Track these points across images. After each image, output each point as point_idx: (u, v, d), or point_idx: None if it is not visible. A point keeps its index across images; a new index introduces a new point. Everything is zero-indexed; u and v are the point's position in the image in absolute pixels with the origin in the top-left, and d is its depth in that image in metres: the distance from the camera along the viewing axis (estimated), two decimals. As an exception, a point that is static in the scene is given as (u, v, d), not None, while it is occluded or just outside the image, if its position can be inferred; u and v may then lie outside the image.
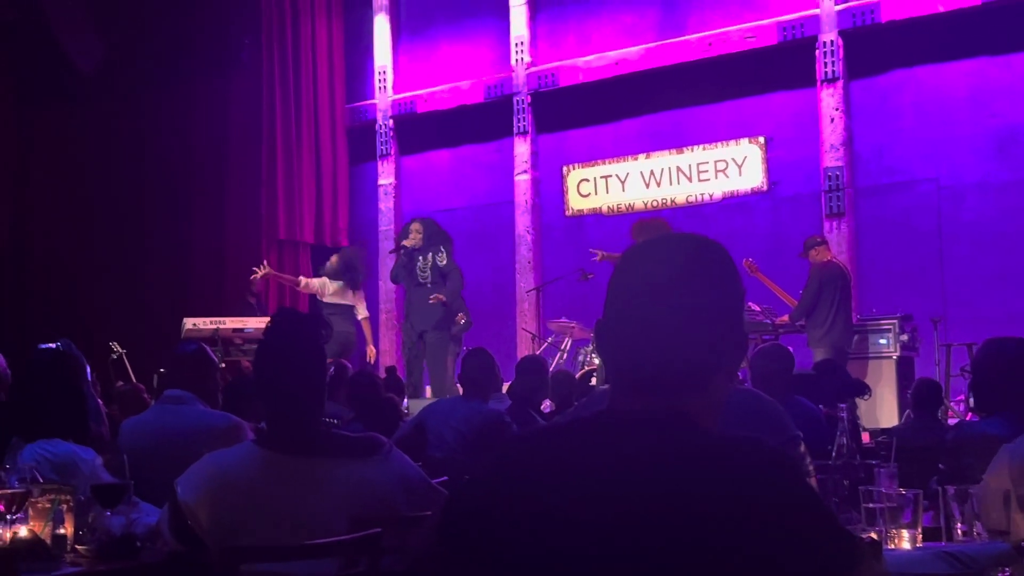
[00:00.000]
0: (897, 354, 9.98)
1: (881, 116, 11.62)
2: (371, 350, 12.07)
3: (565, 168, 13.33)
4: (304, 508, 2.77)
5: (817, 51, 11.67)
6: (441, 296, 10.35)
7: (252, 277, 11.93)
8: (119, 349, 11.47)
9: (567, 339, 11.65)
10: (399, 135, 14.52)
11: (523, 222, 13.42)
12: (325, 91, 14.42)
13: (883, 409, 9.69)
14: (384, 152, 14.50)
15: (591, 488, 1.44)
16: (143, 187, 14.14)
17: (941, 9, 11.03)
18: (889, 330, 10.06)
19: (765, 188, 12.17)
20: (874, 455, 5.31)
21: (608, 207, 13.06)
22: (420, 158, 14.46)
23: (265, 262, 12.11)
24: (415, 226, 10.72)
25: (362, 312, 11.52)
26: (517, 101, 13.46)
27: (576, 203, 13.29)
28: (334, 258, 11.65)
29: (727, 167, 12.34)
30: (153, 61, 13.74)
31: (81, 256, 14.12)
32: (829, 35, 11.61)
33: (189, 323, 11.03)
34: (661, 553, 1.37)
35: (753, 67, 12.13)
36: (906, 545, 2.74)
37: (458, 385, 7.72)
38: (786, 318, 10.22)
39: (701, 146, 12.50)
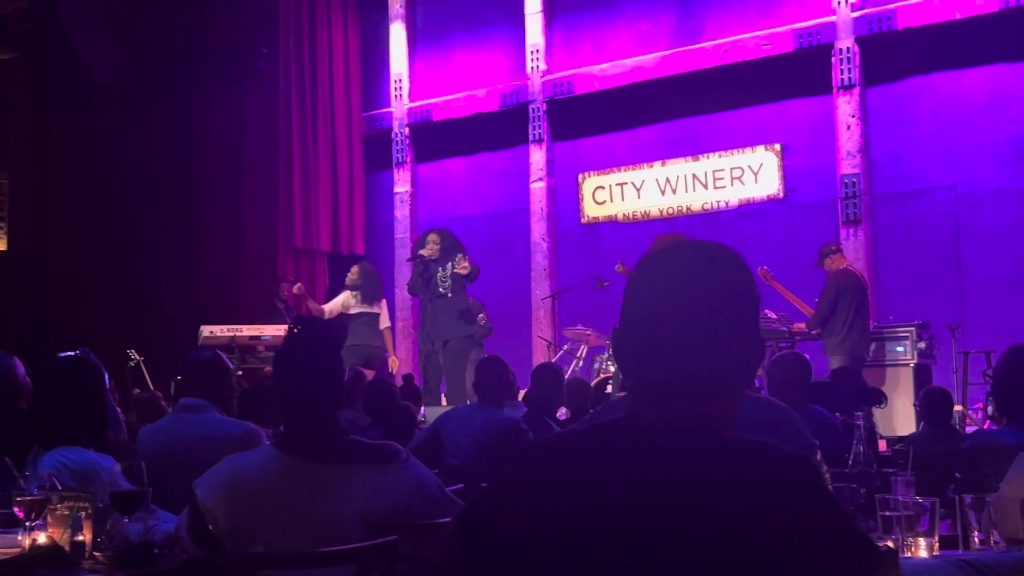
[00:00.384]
0: (914, 362, 9.94)
1: (898, 123, 11.59)
2: (393, 360, 12.07)
3: (580, 176, 13.34)
4: (321, 513, 2.78)
5: (833, 58, 11.65)
6: (465, 264, 10.36)
7: (294, 287, 12.00)
8: (136, 357, 11.49)
9: (583, 347, 11.64)
10: (415, 143, 14.54)
11: (538, 230, 13.42)
12: (341, 99, 14.46)
13: (900, 417, 9.65)
14: (400, 160, 14.52)
15: (610, 495, 1.44)
16: (160, 195, 14.19)
17: (958, 16, 11.00)
18: (906, 338, 10.03)
19: (781, 195, 12.14)
20: (891, 463, 5.29)
21: (623, 214, 13.05)
22: (436, 166, 14.48)
23: (300, 284, 12.17)
24: (432, 237, 10.73)
25: (384, 322, 11.55)
26: (532, 109, 13.47)
27: (591, 210, 13.29)
28: (355, 269, 11.67)
29: (743, 174, 12.32)
30: (170, 70, 13.79)
31: (98, 264, 14.17)
32: (845, 42, 11.59)
33: (206, 331, 11.07)
34: (682, 560, 1.38)
35: (769, 74, 12.11)
36: (923, 553, 2.74)
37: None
38: (803, 325, 10.19)
39: (717, 153, 12.49)
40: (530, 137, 13.50)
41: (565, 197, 13.49)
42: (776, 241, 12.01)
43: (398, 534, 2.74)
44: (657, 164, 12.85)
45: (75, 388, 3.71)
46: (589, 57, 13.30)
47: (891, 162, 11.62)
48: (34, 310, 14.40)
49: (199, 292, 13.68)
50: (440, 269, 10.50)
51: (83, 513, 3.06)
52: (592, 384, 9.17)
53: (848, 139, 11.57)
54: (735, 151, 12.38)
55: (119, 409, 5.61)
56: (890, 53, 11.55)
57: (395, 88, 14.60)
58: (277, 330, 11.17)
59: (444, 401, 10.46)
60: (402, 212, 14.49)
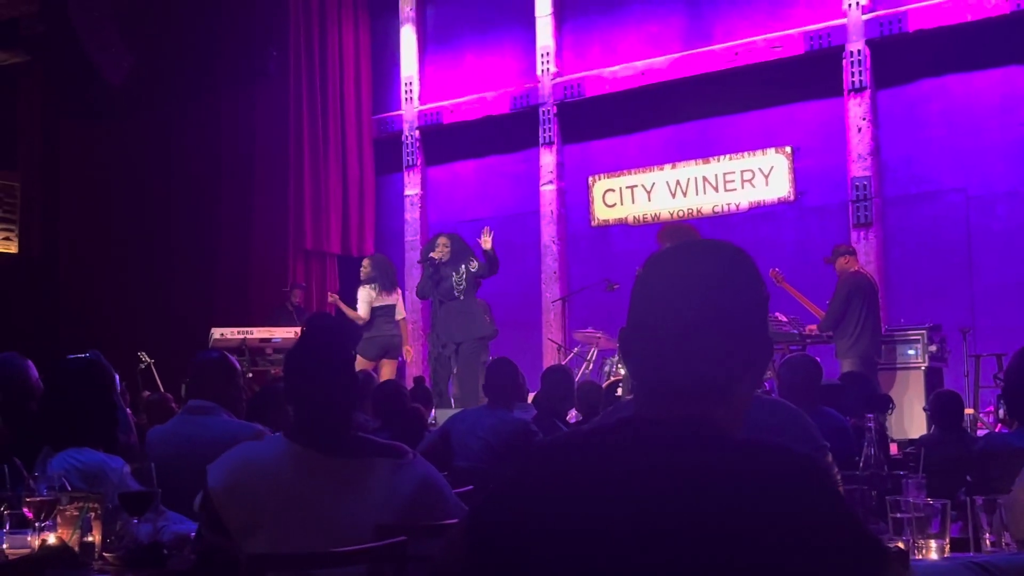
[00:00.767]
0: (925, 365, 9.91)
1: (909, 125, 11.56)
2: (408, 350, 12.14)
3: (591, 178, 13.33)
4: (327, 505, 2.80)
5: (844, 60, 11.63)
6: (488, 237, 10.37)
7: (328, 297, 12.10)
8: (147, 359, 11.54)
9: (593, 349, 11.64)
10: (425, 146, 14.55)
11: (549, 232, 13.42)
12: (352, 102, 14.48)
13: (911, 420, 9.63)
14: (410, 163, 14.54)
15: (617, 496, 1.43)
16: (171, 198, 14.23)
17: (969, 18, 10.97)
18: (917, 340, 10.00)
19: (792, 198, 12.13)
20: (902, 466, 5.28)
21: (634, 217, 13.04)
22: (446, 168, 14.49)
23: (335, 294, 12.21)
24: (442, 239, 10.73)
25: (400, 312, 11.56)
26: (543, 111, 13.47)
27: (602, 213, 13.28)
28: (366, 263, 11.68)
29: (753, 177, 12.31)
30: (180, 73, 13.84)
31: (109, 266, 14.22)
32: (856, 44, 11.57)
33: (217, 333, 11.09)
34: (689, 561, 1.37)
35: (780, 77, 12.10)
36: (934, 555, 2.73)
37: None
38: (814, 328, 10.17)
39: (727, 156, 12.48)
40: (540, 140, 13.50)
41: (575, 200, 13.49)
42: (787, 244, 11.99)
43: (407, 534, 2.74)
44: (667, 167, 12.84)
45: (85, 390, 3.72)
46: (599, 59, 13.29)
47: (902, 165, 11.60)
48: (45, 312, 14.44)
49: (210, 294, 13.71)
50: (454, 272, 10.50)
51: (92, 514, 3.06)
52: (603, 387, 9.16)
53: (859, 142, 11.55)
54: (746, 154, 12.36)
55: (129, 411, 5.63)
56: (901, 55, 11.52)
57: (405, 91, 14.61)
58: (287, 332, 11.19)
59: (453, 403, 10.46)
60: (412, 215, 14.50)
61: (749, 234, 11.96)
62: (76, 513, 3.04)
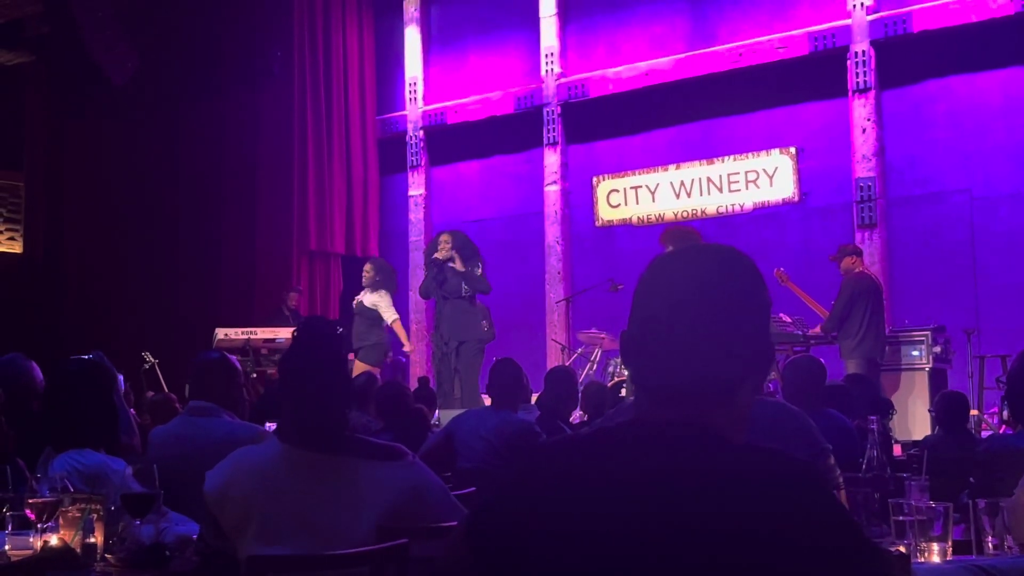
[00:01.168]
0: (930, 366, 9.90)
1: (913, 126, 11.55)
2: (409, 346, 12.25)
3: (595, 179, 13.33)
4: (318, 504, 2.81)
5: (849, 61, 11.62)
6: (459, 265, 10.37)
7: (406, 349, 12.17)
8: (151, 359, 11.54)
9: (597, 350, 11.63)
10: (429, 146, 14.56)
11: (553, 233, 13.42)
12: (356, 102, 14.48)
13: (915, 421, 9.62)
14: (414, 163, 14.54)
15: (617, 498, 1.43)
16: (175, 198, 14.24)
17: (974, 19, 10.96)
18: (922, 341, 9.99)
19: (796, 199, 12.11)
20: (906, 468, 5.27)
21: (638, 218, 13.04)
22: (450, 169, 14.49)
23: (412, 347, 12.41)
24: (444, 237, 10.71)
25: (389, 316, 11.51)
26: (547, 112, 13.47)
27: (606, 214, 13.28)
28: (369, 267, 11.66)
29: (758, 178, 12.30)
30: (185, 74, 13.85)
31: (113, 267, 14.23)
32: (861, 45, 11.56)
33: (221, 333, 11.09)
34: (686, 565, 1.37)
35: (784, 77, 12.09)
36: (936, 558, 2.72)
37: (484, 396, 7.73)
38: (818, 329, 10.16)
39: (732, 157, 12.46)
40: (544, 140, 13.50)
41: (579, 200, 13.49)
42: (791, 245, 11.98)
43: (408, 536, 2.74)
44: (672, 167, 12.83)
45: (87, 391, 3.72)
46: (603, 60, 13.29)
47: (906, 166, 11.59)
48: (49, 313, 14.46)
49: (214, 294, 13.72)
50: (473, 269, 10.48)
51: (95, 515, 3.06)
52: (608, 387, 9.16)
53: (863, 142, 11.54)
54: (750, 154, 12.36)
55: (133, 411, 5.64)
56: (906, 56, 11.51)
57: (410, 91, 14.62)
58: (291, 333, 11.17)
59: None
60: (416, 215, 14.50)
61: (753, 235, 11.96)
62: (78, 514, 3.04)
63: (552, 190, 13.47)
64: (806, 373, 5.91)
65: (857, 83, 11.57)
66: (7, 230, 15.93)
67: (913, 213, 11.51)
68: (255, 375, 10.83)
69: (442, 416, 9.08)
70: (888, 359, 9.96)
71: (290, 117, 13.74)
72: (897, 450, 7.49)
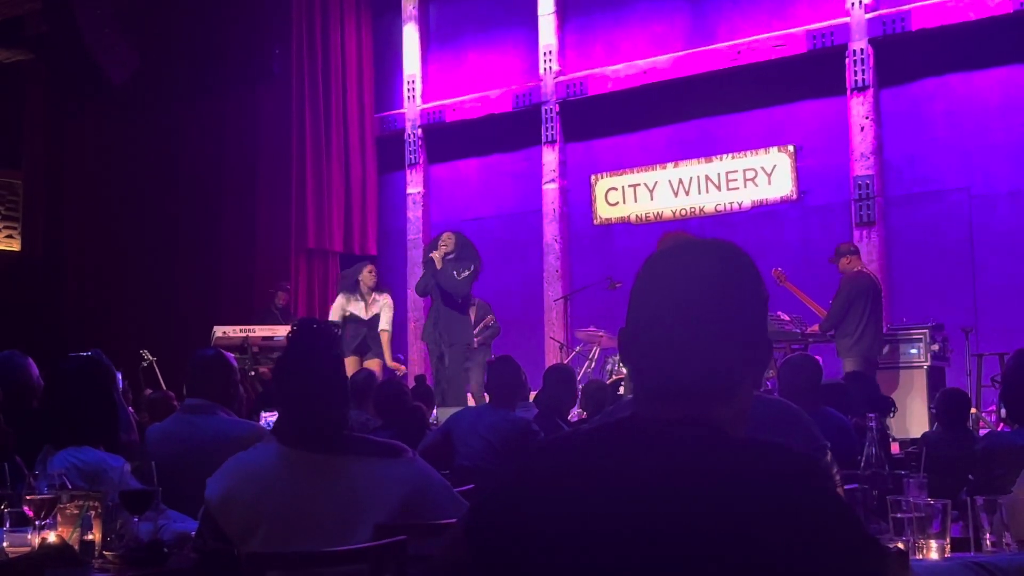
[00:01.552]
0: (928, 364, 9.90)
1: (912, 124, 11.55)
2: (397, 367, 11.91)
3: (593, 177, 13.32)
4: (321, 504, 2.81)
5: (847, 59, 11.61)
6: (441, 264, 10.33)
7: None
8: (149, 357, 11.53)
9: (595, 348, 11.63)
10: (428, 144, 14.55)
11: (551, 231, 13.42)
12: (354, 101, 14.48)
13: (913, 419, 9.62)
14: (413, 161, 14.53)
15: (617, 495, 1.44)
16: (173, 196, 14.24)
17: (972, 17, 10.95)
18: (920, 340, 9.99)
19: (794, 197, 12.11)
20: (904, 465, 5.27)
21: (636, 216, 13.04)
22: (448, 167, 14.49)
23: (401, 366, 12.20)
24: (445, 236, 10.70)
25: (385, 325, 11.46)
26: (545, 110, 13.46)
27: (604, 212, 13.27)
28: (373, 272, 11.61)
29: (756, 176, 12.30)
30: (184, 72, 13.85)
31: (112, 265, 14.23)
32: (859, 43, 11.56)
33: (219, 331, 11.08)
34: (688, 559, 1.37)
35: (782, 75, 12.08)
36: (934, 555, 2.72)
37: (484, 395, 7.73)
38: (816, 328, 10.16)
39: (730, 155, 12.46)
40: (543, 138, 13.49)
41: (578, 198, 13.48)
42: (789, 243, 11.98)
43: (407, 534, 2.74)
44: (670, 165, 12.83)
45: (86, 388, 3.72)
46: (602, 58, 13.29)
47: (905, 164, 11.59)
48: (48, 310, 14.46)
49: (212, 292, 13.72)
50: (455, 272, 10.47)
51: (93, 512, 3.06)
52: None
53: (862, 141, 11.54)
54: (748, 152, 12.35)
55: (131, 409, 5.63)
56: (904, 54, 11.51)
57: (408, 89, 14.61)
58: (287, 332, 11.14)
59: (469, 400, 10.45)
60: (415, 213, 14.49)
61: (751, 233, 11.95)
62: (76, 511, 3.04)
63: (550, 188, 13.46)
64: (803, 371, 5.91)
65: (855, 81, 11.57)
66: (6, 228, 15.92)
67: (911, 211, 11.51)
68: (252, 373, 10.83)
69: (440, 414, 9.07)
70: (886, 357, 9.96)
71: (288, 115, 13.73)
72: (895, 448, 7.49)
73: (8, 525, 3.00)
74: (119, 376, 5.14)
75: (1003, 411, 7.87)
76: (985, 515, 2.84)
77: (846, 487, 3.16)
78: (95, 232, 14.41)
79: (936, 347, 9.97)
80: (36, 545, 2.94)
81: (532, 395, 7.63)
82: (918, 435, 8.03)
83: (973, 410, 8.80)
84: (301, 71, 13.88)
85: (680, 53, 12.63)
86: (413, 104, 14.56)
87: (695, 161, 12.66)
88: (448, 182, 14.48)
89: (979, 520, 2.85)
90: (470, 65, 14.29)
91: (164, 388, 10.12)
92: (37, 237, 15.29)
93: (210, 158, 14.10)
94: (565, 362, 10.82)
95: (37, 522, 2.97)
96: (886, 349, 9.99)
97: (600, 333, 11.53)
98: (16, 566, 2.72)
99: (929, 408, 9.43)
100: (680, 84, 12.63)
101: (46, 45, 14.67)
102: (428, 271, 10.74)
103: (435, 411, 9.13)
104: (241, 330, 11.20)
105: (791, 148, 12.11)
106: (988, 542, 2.83)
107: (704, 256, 1.62)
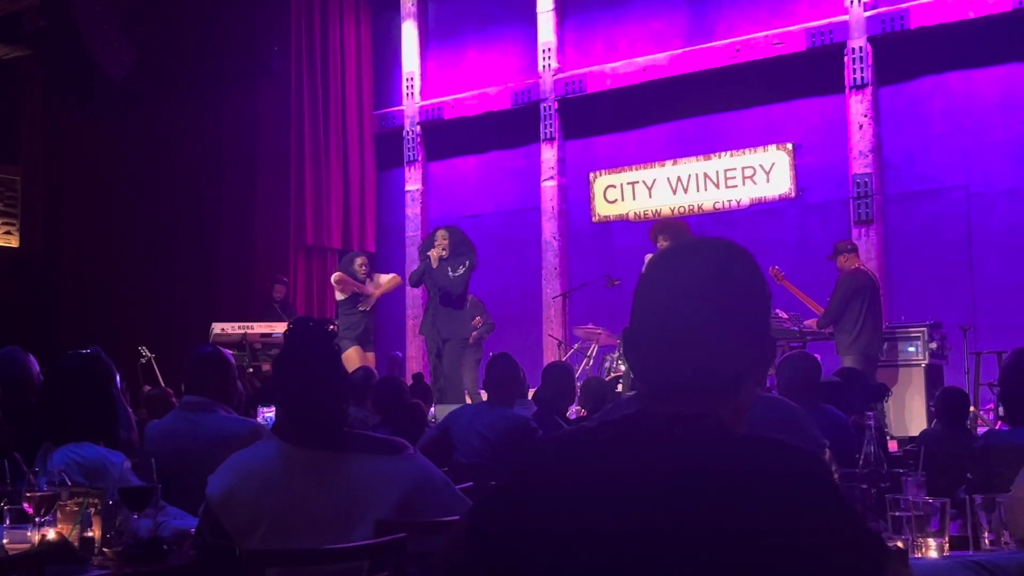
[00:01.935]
0: (926, 362, 9.90)
1: (910, 122, 11.55)
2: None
3: (592, 174, 13.32)
4: (322, 501, 2.81)
5: (846, 57, 11.61)
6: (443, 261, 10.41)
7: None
8: (148, 353, 11.54)
9: (593, 345, 11.63)
10: (426, 141, 14.55)
11: (550, 228, 13.41)
12: (353, 97, 14.48)
13: (911, 417, 9.63)
14: (411, 158, 14.53)
15: (620, 492, 1.44)
16: (172, 193, 14.23)
17: (971, 15, 10.95)
18: (918, 338, 9.99)
19: (793, 195, 12.12)
20: (902, 464, 5.27)
21: (635, 213, 13.04)
22: (447, 164, 14.48)
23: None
24: (441, 233, 10.70)
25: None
26: (544, 107, 13.46)
27: (603, 209, 13.27)
28: (364, 260, 11.65)
29: (755, 174, 12.30)
30: (183, 68, 13.84)
31: (111, 261, 14.22)
32: (858, 41, 11.56)
33: (217, 328, 11.08)
34: (690, 556, 1.38)
35: (781, 73, 12.09)
36: (933, 554, 2.73)
37: (480, 392, 7.73)
38: (813, 323, 10.17)
39: (729, 152, 12.46)
40: (541, 135, 13.49)
41: (576, 196, 13.48)
42: (788, 241, 11.99)
43: (407, 531, 2.75)
44: (669, 163, 12.83)
45: (85, 385, 3.72)
46: (601, 56, 13.28)
47: (903, 162, 11.59)
48: (46, 307, 14.45)
49: (211, 289, 13.72)
50: (450, 269, 10.47)
51: (92, 509, 3.06)
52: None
53: (860, 139, 11.54)
54: (747, 150, 12.35)
55: (130, 408, 5.63)
56: (903, 52, 11.51)
57: (407, 86, 14.61)
58: (284, 329, 11.15)
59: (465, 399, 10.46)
60: (413, 210, 14.49)
61: (750, 231, 11.96)
62: (76, 508, 3.04)
63: (549, 185, 13.46)
64: (801, 369, 5.90)
65: (854, 79, 11.57)
66: (4, 224, 15.90)
67: (910, 209, 11.52)
68: (251, 369, 10.83)
69: (438, 411, 9.07)
70: (885, 355, 9.96)
71: (287, 112, 13.73)
72: (893, 446, 7.49)
73: (8, 522, 3.00)
74: (118, 376, 5.13)
75: (1001, 410, 7.89)
76: (984, 513, 2.84)
77: (844, 485, 3.16)
78: (94, 228, 14.40)
79: (934, 345, 9.98)
80: (36, 542, 2.94)
81: (531, 392, 7.63)
82: (916, 433, 8.04)
83: (971, 408, 8.81)
84: (300, 68, 13.87)
85: (679, 51, 12.63)
86: (412, 101, 14.56)
87: (694, 159, 12.66)
88: (447, 179, 14.48)
89: (978, 519, 2.85)
90: (469, 62, 14.28)
91: (162, 385, 10.12)
92: (36, 233, 15.27)
93: (209, 154, 14.10)
94: (564, 359, 10.82)
95: (37, 519, 2.98)
96: (884, 347, 9.99)
97: (599, 330, 11.54)
98: (16, 563, 2.72)
99: (927, 406, 9.43)
100: (679, 82, 12.63)
101: (44, 41, 14.67)
102: (423, 264, 10.75)
103: (433, 408, 9.13)
104: (240, 327, 11.21)
105: (790, 146, 12.11)
106: (987, 540, 2.83)
107: (707, 255, 1.63)
